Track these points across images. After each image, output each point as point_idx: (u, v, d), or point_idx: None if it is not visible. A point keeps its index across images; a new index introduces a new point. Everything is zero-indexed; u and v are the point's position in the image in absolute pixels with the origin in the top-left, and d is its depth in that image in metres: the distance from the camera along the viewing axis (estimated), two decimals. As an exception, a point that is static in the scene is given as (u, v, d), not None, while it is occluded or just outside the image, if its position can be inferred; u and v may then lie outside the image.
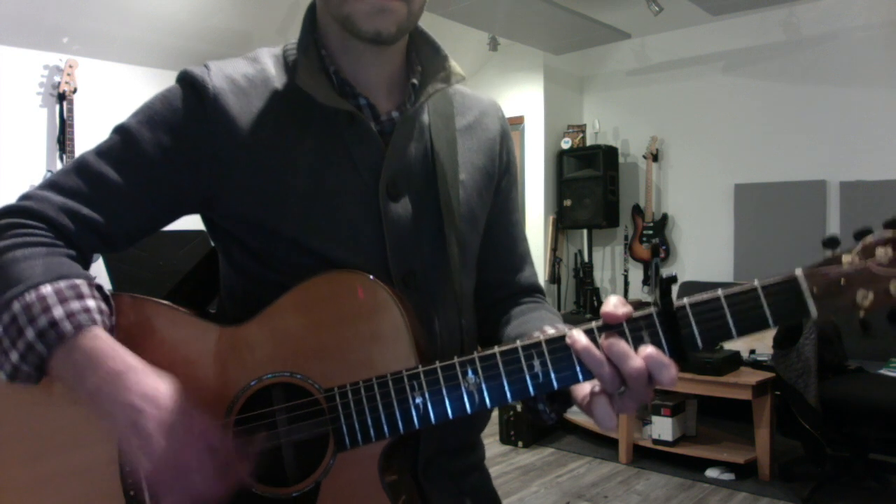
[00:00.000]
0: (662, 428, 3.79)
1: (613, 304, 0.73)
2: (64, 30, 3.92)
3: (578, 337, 0.72)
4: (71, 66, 3.94)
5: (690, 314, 0.71)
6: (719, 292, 0.71)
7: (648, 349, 0.70)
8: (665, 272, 0.70)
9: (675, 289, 4.85)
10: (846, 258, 0.69)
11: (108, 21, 3.97)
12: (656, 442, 3.83)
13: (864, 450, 3.47)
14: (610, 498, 3.46)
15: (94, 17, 3.91)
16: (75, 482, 0.80)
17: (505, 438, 4.28)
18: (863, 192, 4.35)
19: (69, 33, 3.95)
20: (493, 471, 3.77)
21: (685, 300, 0.71)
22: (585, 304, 5.32)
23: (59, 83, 3.94)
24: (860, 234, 0.69)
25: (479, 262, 0.99)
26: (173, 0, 4.07)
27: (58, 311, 0.73)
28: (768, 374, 3.56)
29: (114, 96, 4.18)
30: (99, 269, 3.71)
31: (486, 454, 1.03)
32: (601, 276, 5.64)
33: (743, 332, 0.70)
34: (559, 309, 5.51)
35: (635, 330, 0.72)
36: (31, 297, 0.73)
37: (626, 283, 5.29)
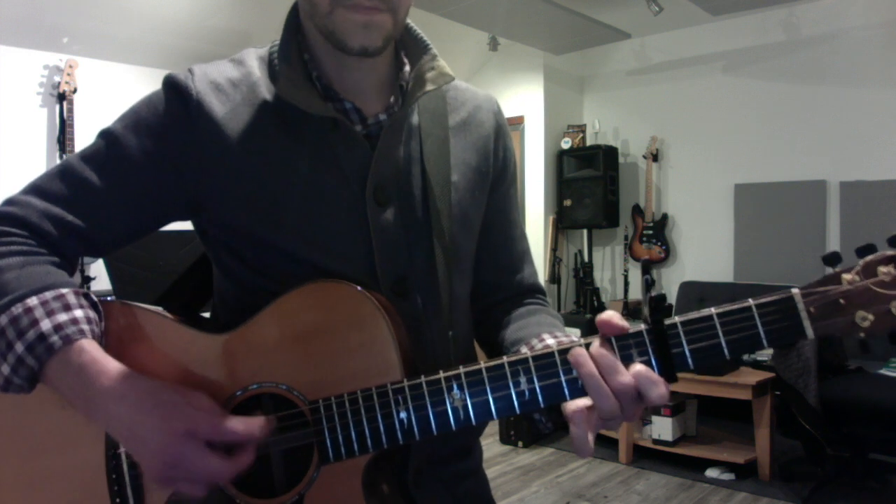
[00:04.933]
0: (662, 428, 3.79)
1: (609, 316, 0.71)
2: (64, 30, 3.92)
3: (584, 361, 0.70)
4: (71, 66, 3.94)
5: (682, 333, 0.69)
6: (712, 310, 0.69)
7: (638, 367, 0.69)
8: (655, 291, 0.69)
9: (674, 292, 4.86)
10: (846, 277, 0.66)
11: (108, 21, 3.97)
12: (656, 442, 3.83)
13: (864, 450, 3.47)
14: (610, 498, 3.46)
15: (94, 17, 3.91)
16: (63, 482, 0.80)
17: (505, 438, 4.28)
18: (863, 192, 4.35)
19: (69, 33, 3.95)
20: (494, 471, 3.78)
21: (676, 319, 0.70)
22: (585, 304, 5.32)
23: (59, 83, 3.94)
24: (862, 251, 0.67)
25: (476, 263, 0.97)
26: (173, 0, 4.07)
27: (45, 325, 0.73)
28: (768, 374, 3.56)
29: (114, 96, 4.18)
30: (99, 269, 3.72)
31: (487, 454, 1.01)
32: (601, 276, 5.63)
33: (735, 352, 0.68)
34: (559, 309, 5.51)
35: (625, 348, 0.70)
36: (17, 309, 0.73)
37: (626, 283, 5.28)
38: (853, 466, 3.46)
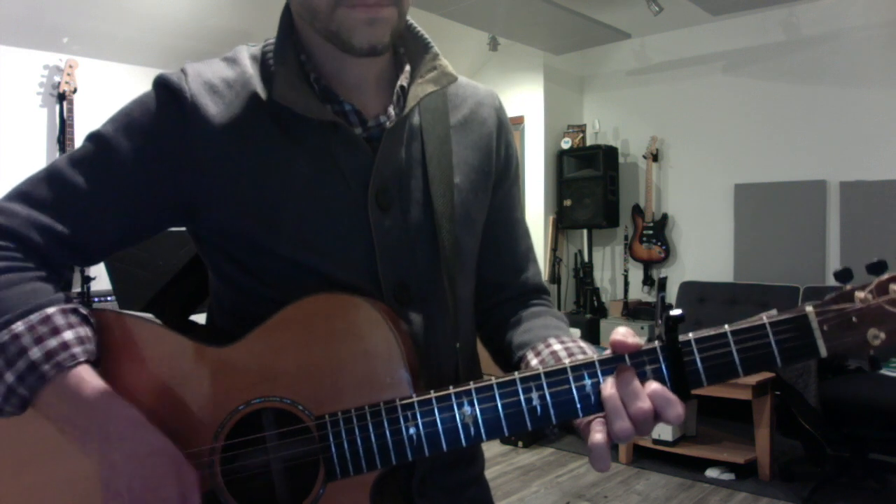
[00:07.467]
0: (662, 428, 3.79)
1: (623, 334, 0.70)
2: (64, 30, 3.92)
3: (606, 386, 0.69)
4: (71, 66, 3.94)
5: (695, 350, 0.69)
6: (726, 327, 0.68)
7: (654, 386, 0.68)
8: (672, 311, 0.68)
9: (674, 292, 4.86)
10: (859, 294, 0.66)
11: (108, 21, 3.97)
12: (656, 442, 3.83)
13: (864, 450, 3.47)
14: (610, 498, 3.46)
15: (94, 17, 3.91)
16: (57, 493, 0.78)
17: (505, 438, 4.28)
18: (863, 192, 4.35)
19: (69, 33, 3.95)
20: (494, 471, 3.78)
21: (690, 335, 0.69)
22: (585, 304, 5.32)
23: (59, 83, 3.94)
24: (874, 269, 0.67)
25: (479, 263, 0.95)
26: (173, 0, 4.07)
27: (35, 353, 0.70)
28: (768, 374, 3.55)
29: (114, 96, 4.17)
30: (99, 269, 3.72)
31: (486, 454, 1.00)
32: (601, 276, 5.64)
33: (749, 370, 0.68)
34: (559, 309, 5.49)
35: (639, 365, 0.70)
36: (3, 337, 0.71)
37: (626, 283, 5.28)
38: (853, 466, 3.46)
